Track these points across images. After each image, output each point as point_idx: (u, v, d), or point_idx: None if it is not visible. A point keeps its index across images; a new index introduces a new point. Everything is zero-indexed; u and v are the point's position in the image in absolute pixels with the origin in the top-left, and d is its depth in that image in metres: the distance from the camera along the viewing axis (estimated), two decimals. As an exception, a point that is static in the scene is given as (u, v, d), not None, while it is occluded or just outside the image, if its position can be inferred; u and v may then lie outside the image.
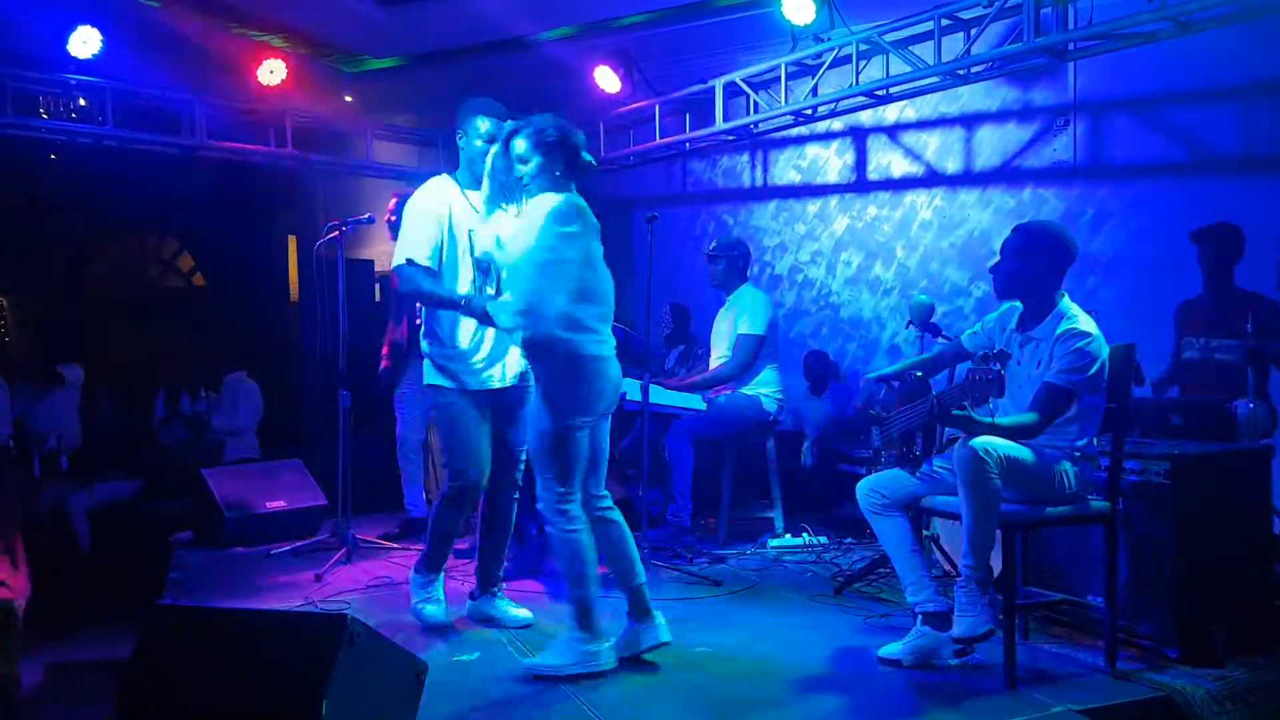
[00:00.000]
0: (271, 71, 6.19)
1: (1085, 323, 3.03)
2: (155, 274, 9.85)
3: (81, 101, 6.25)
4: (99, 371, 7.10)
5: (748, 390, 4.97)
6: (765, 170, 6.88)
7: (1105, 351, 3.00)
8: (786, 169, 6.71)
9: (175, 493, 6.05)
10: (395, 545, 5.00)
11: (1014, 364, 3.12)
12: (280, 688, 2.17)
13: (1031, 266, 3.10)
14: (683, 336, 6.39)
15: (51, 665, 5.05)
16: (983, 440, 2.88)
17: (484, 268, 3.44)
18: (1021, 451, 2.94)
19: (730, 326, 5.06)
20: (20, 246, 8.60)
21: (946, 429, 3.35)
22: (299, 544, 4.98)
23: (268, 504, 5.28)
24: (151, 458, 6.70)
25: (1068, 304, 3.09)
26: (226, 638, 2.32)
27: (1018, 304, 3.21)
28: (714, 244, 5.21)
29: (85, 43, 5.69)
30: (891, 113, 5.98)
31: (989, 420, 2.94)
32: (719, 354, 5.13)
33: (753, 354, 4.95)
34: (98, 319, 8.87)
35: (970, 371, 2.81)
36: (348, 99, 7.25)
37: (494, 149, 3.23)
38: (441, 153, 7.51)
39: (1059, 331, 3.01)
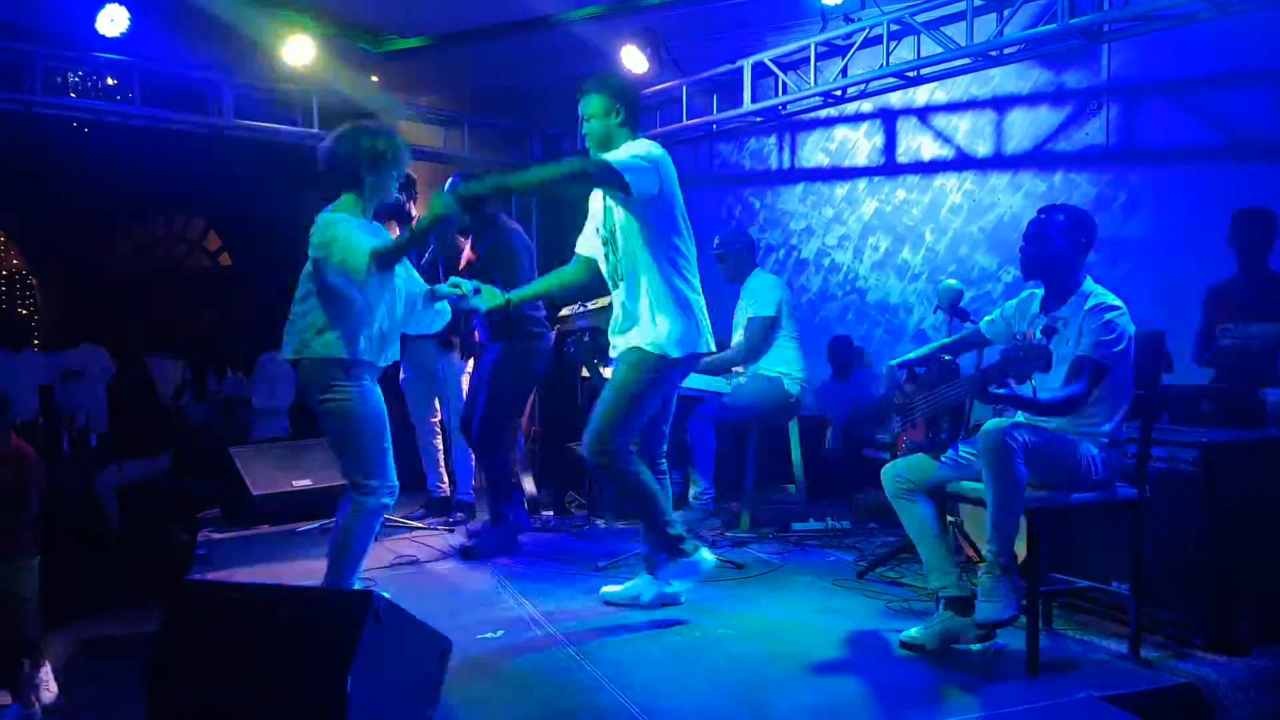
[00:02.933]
0: (298, 51, 6.20)
1: (1113, 299, 3.00)
2: (182, 253, 9.95)
3: (110, 80, 6.30)
4: (126, 350, 7.18)
5: (769, 372, 4.95)
6: (793, 152, 6.83)
7: (1132, 329, 2.97)
8: (815, 151, 6.66)
9: (203, 471, 6.13)
10: (419, 525, 5.04)
11: None
12: (305, 664, 2.20)
13: (1053, 248, 3.07)
14: None
15: (81, 640, 5.14)
16: (1009, 425, 2.86)
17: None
18: (1047, 437, 2.92)
19: (745, 314, 5.07)
20: (48, 226, 8.71)
21: (973, 414, 3.32)
22: (325, 522, 5.03)
23: (294, 482, 5.33)
24: (180, 436, 6.78)
25: (1091, 284, 3.07)
26: (253, 614, 2.35)
27: (1038, 290, 3.18)
28: (716, 241, 5.19)
29: (113, 21, 5.72)
30: (922, 95, 5.91)
31: (1029, 398, 2.92)
32: (738, 339, 5.13)
33: (762, 335, 4.94)
34: (125, 298, 8.97)
35: (1015, 346, 2.78)
36: (374, 79, 7.26)
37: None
38: (466, 134, 7.51)
39: (1087, 307, 2.98)
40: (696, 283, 3.43)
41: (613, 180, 3.19)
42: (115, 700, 3.99)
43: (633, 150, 3.29)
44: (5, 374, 6.70)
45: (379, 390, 3.26)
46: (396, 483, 3.25)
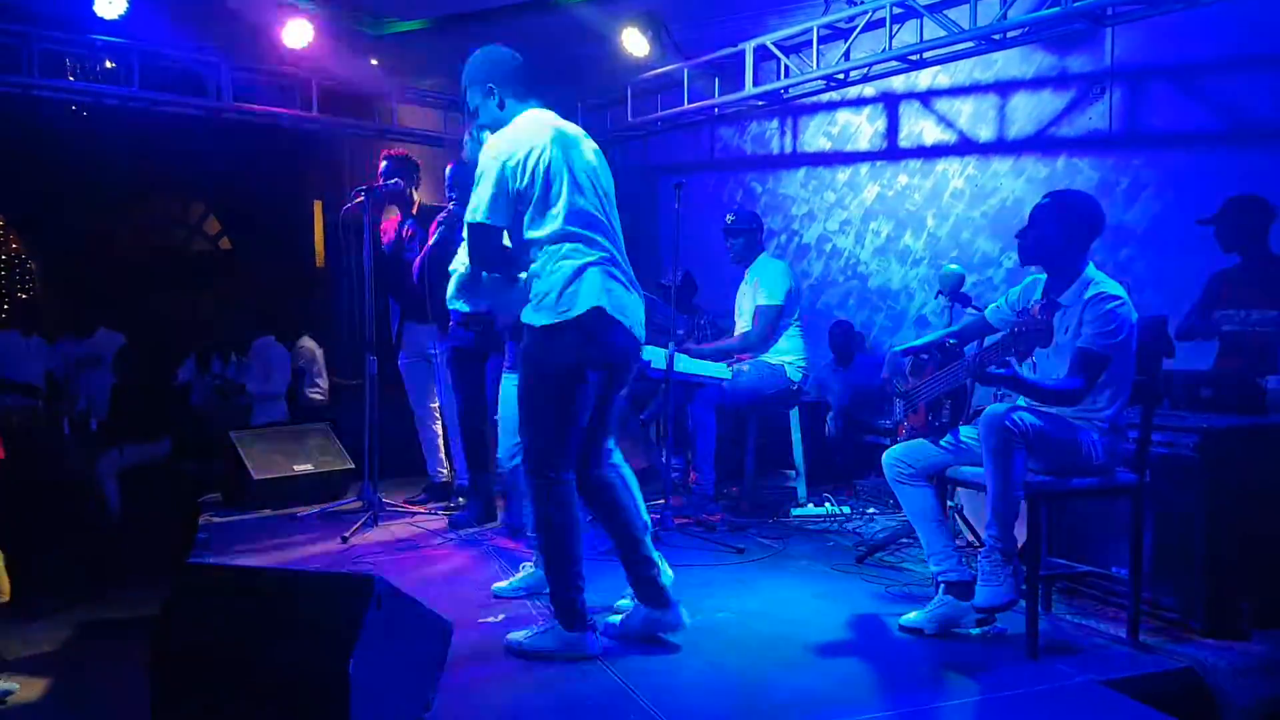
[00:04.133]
0: (298, 33, 6.16)
1: (1114, 288, 2.99)
2: (182, 237, 9.92)
3: (108, 63, 6.26)
4: (126, 334, 7.17)
5: (772, 359, 4.95)
6: (795, 137, 6.80)
7: (1134, 316, 2.97)
8: (817, 135, 6.63)
9: (204, 455, 6.13)
10: (420, 509, 5.05)
11: None
12: (308, 647, 2.20)
13: (1057, 234, 3.06)
14: (687, 306, 6.31)
15: (82, 623, 5.16)
16: (1009, 410, 2.86)
17: None
18: (1049, 422, 2.92)
19: (750, 299, 5.04)
20: (47, 209, 8.68)
21: (974, 399, 3.32)
22: (325, 506, 5.04)
23: (295, 467, 5.34)
24: (180, 420, 6.78)
25: (1094, 270, 3.06)
26: (255, 597, 2.35)
27: (1040, 275, 3.18)
28: (731, 218, 5.16)
29: (111, 3, 5.68)
30: (925, 79, 5.88)
31: (1032, 383, 2.92)
32: (742, 325, 5.11)
33: (771, 324, 4.93)
34: (125, 281, 8.95)
35: (1015, 324, 2.78)
36: (374, 62, 7.21)
37: None
38: (467, 117, 7.47)
39: (1088, 296, 2.98)
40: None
41: (486, 236, 2.89)
42: (117, 683, 4.00)
43: (488, 168, 2.86)
44: (16, 357, 6.71)
45: None
46: None
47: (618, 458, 3.14)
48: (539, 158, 2.86)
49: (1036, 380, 2.97)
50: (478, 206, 2.87)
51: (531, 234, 2.89)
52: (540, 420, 2.87)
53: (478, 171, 2.90)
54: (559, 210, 2.85)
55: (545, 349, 2.85)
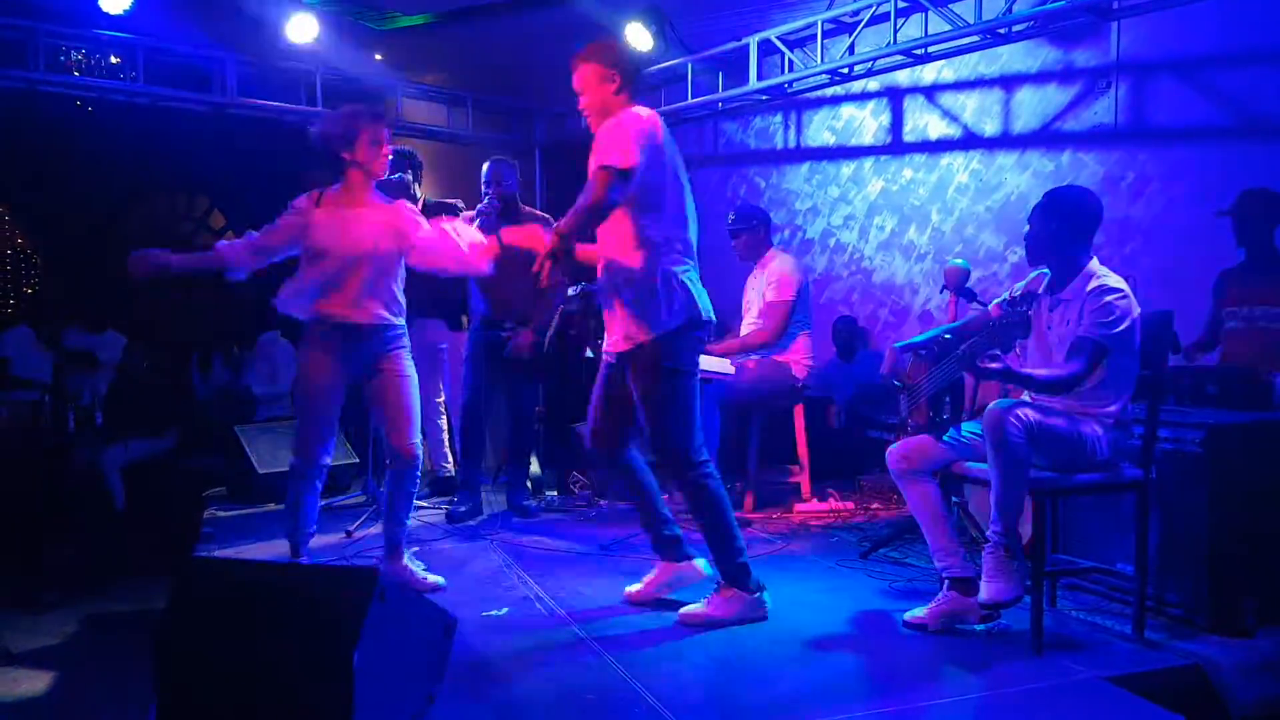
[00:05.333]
0: (302, 28, 6.16)
1: (1115, 281, 2.99)
2: (187, 232, 9.93)
3: (113, 59, 6.28)
4: (130, 328, 7.18)
5: (779, 357, 4.94)
6: (799, 131, 6.78)
7: (1136, 310, 2.96)
8: (820, 130, 6.62)
9: (208, 449, 6.14)
10: (424, 504, 5.05)
11: (1045, 327, 3.09)
12: (312, 640, 2.20)
13: (1056, 230, 3.06)
14: None
15: (88, 616, 5.17)
16: (1013, 405, 2.85)
17: None
18: (1053, 417, 2.91)
19: (759, 294, 5.02)
20: (52, 203, 8.69)
21: (978, 395, 3.31)
22: (330, 501, 5.04)
23: (299, 461, 5.33)
24: (185, 414, 6.79)
25: (1096, 265, 3.05)
26: (260, 590, 2.35)
27: (1046, 270, 3.17)
28: (731, 217, 5.14)
29: (116, -2, 5.69)
30: (929, 73, 5.87)
31: (1025, 373, 2.92)
32: (749, 321, 5.10)
33: (783, 321, 4.91)
34: (129, 276, 8.97)
35: (996, 316, 2.78)
36: (378, 57, 7.21)
37: None
38: (471, 112, 7.47)
39: (1088, 289, 2.97)
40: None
41: (624, 181, 2.98)
42: (122, 677, 4.01)
43: (627, 131, 3.02)
44: (26, 351, 6.73)
45: None
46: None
47: None
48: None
49: (1030, 371, 2.97)
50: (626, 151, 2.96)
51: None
52: (684, 417, 3.15)
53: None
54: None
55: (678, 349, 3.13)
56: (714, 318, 3.25)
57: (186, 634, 2.32)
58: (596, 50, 3.23)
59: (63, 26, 5.84)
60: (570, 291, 4.45)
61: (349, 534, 4.37)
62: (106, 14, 5.72)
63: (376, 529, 4.53)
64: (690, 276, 3.20)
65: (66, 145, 8.15)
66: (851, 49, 5.56)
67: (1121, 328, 2.91)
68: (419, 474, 3.61)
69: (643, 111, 3.14)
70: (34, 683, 4.29)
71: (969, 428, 3.18)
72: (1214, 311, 4.16)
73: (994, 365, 2.83)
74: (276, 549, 4.23)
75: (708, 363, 4.80)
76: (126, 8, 5.72)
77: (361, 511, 4.67)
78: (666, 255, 3.13)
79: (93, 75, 6.20)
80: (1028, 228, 3.19)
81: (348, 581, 2.30)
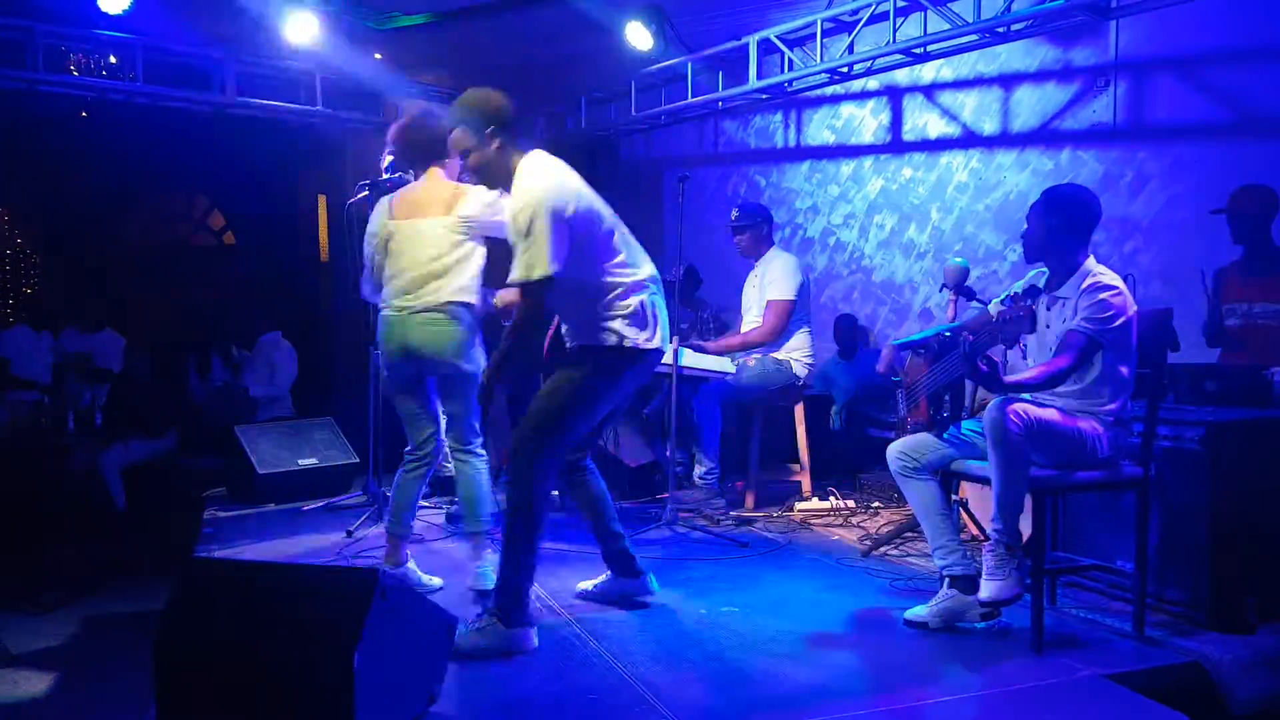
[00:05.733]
0: (301, 28, 6.15)
1: (1111, 278, 2.99)
2: (186, 232, 9.93)
3: (112, 59, 6.26)
4: (130, 329, 7.19)
5: (779, 355, 4.94)
6: (799, 130, 6.78)
7: (1132, 308, 2.96)
8: (820, 129, 6.62)
9: (209, 449, 6.14)
10: (424, 504, 5.04)
11: (1043, 326, 3.09)
12: (313, 640, 2.20)
13: (1054, 228, 3.06)
14: (690, 301, 6.32)
15: (88, 617, 5.17)
16: (1014, 403, 2.85)
17: None
18: (1053, 416, 2.91)
19: (759, 292, 5.02)
20: (51, 203, 8.69)
21: (979, 392, 3.31)
22: (330, 500, 5.05)
23: (299, 461, 5.35)
24: (185, 415, 6.79)
25: (1093, 263, 3.06)
26: (261, 590, 2.35)
27: (1044, 269, 3.17)
28: (736, 214, 5.14)
29: (115, -2, 5.68)
30: (928, 72, 5.87)
31: (1014, 381, 2.92)
32: (749, 319, 5.10)
33: (783, 319, 4.92)
34: (128, 276, 8.97)
35: (1001, 312, 2.78)
36: (377, 56, 7.20)
37: None
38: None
39: (1084, 286, 2.98)
40: None
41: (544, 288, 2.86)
42: (123, 677, 4.01)
43: (539, 214, 2.84)
44: (27, 351, 6.73)
45: None
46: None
47: None
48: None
49: (1017, 378, 2.96)
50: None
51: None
52: (570, 419, 3.00)
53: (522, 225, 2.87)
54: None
55: (607, 368, 3.01)
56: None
57: (187, 634, 2.32)
58: (464, 108, 3.02)
59: (62, 26, 5.83)
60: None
61: (349, 534, 4.37)
62: (106, 14, 5.71)
63: (377, 529, 4.53)
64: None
65: (66, 145, 8.15)
66: (851, 48, 5.56)
67: (1116, 324, 2.91)
68: None
69: (534, 169, 3.00)
70: (34, 683, 4.29)
71: (969, 425, 3.18)
72: (1214, 310, 4.16)
73: (983, 370, 2.84)
74: (276, 549, 4.24)
75: (708, 361, 4.82)
76: (126, 8, 5.70)
77: (362, 511, 4.66)
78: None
79: (92, 75, 6.18)
80: (1026, 226, 3.20)
81: (349, 581, 2.30)
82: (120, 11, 5.72)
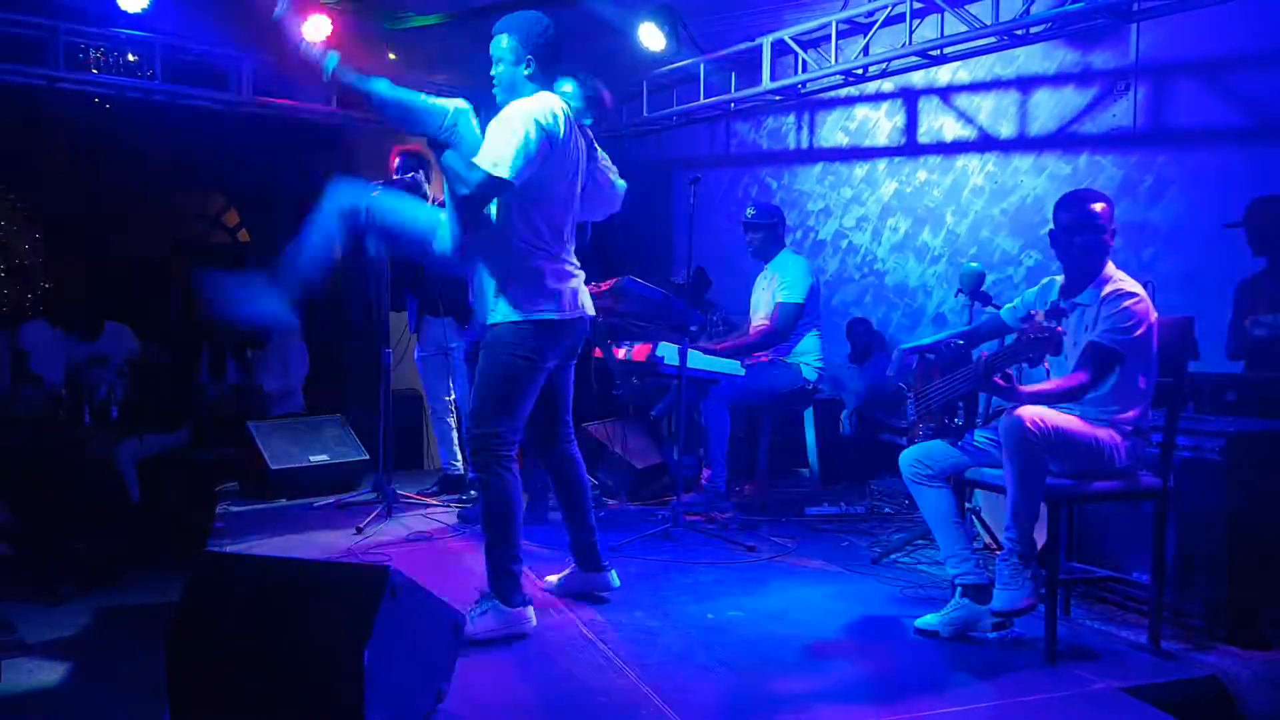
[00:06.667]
0: (316, 27, 6.16)
1: (1131, 285, 2.95)
2: (202, 229, 9.97)
3: (131, 57, 6.29)
4: (146, 326, 7.22)
5: (789, 358, 4.92)
6: (812, 132, 6.76)
7: (1153, 316, 2.93)
8: (834, 131, 6.59)
9: (221, 444, 6.17)
10: (434, 501, 5.06)
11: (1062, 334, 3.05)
12: (323, 636, 2.21)
13: (1073, 235, 3.02)
14: (699, 302, 6.30)
15: (101, 609, 5.20)
16: (1030, 411, 2.82)
17: None
18: (1071, 424, 2.88)
19: (770, 294, 5.01)
20: (69, 200, 8.73)
21: (993, 400, 3.28)
22: (341, 497, 5.06)
23: (311, 457, 5.36)
24: (199, 409, 6.83)
25: (1113, 269, 3.02)
26: (272, 586, 2.35)
27: (1058, 276, 3.14)
28: (751, 211, 5.12)
29: (135, -3, 5.71)
30: (944, 74, 5.83)
31: (1032, 391, 2.88)
32: (758, 321, 5.08)
33: (792, 322, 4.90)
34: (144, 273, 9.01)
35: (1025, 330, 2.74)
36: (391, 56, 7.21)
37: None
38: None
39: (1104, 293, 2.94)
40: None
41: (496, 188, 2.92)
42: (136, 668, 4.03)
43: (530, 124, 2.94)
44: (45, 346, 6.77)
45: None
46: None
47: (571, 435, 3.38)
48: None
49: (1036, 389, 2.93)
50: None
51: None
52: (508, 403, 3.03)
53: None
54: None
55: (519, 343, 3.02)
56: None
57: (199, 628, 2.32)
58: (518, 26, 3.20)
59: (82, 25, 5.87)
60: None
61: (359, 531, 4.38)
62: (125, 12, 5.74)
63: (387, 526, 4.54)
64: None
65: (85, 142, 8.19)
66: (866, 50, 5.53)
67: (1138, 334, 2.88)
68: None
69: (545, 97, 3.13)
70: (49, 673, 4.32)
71: (982, 434, 3.15)
72: (1236, 320, 4.11)
73: (1000, 384, 2.81)
74: (288, 545, 4.25)
75: (716, 363, 4.80)
76: (145, 6, 5.74)
77: (372, 508, 4.67)
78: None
79: (111, 73, 6.21)
80: (1051, 227, 3.16)
81: (359, 578, 2.29)
82: (139, 10, 5.75)
